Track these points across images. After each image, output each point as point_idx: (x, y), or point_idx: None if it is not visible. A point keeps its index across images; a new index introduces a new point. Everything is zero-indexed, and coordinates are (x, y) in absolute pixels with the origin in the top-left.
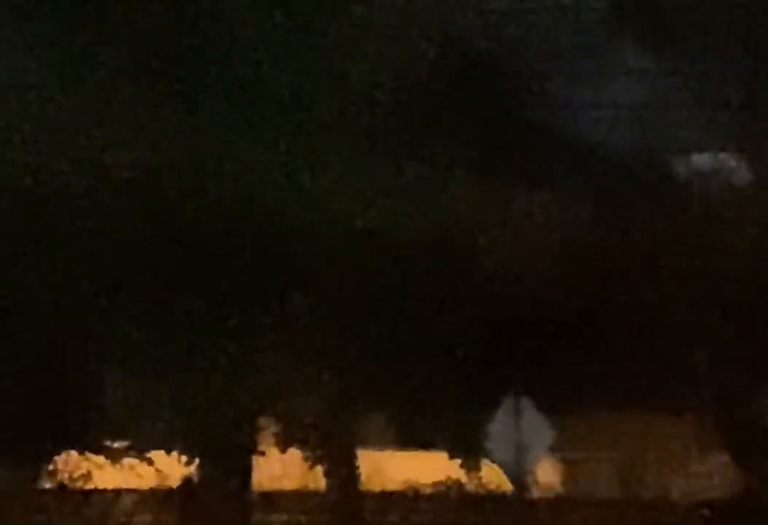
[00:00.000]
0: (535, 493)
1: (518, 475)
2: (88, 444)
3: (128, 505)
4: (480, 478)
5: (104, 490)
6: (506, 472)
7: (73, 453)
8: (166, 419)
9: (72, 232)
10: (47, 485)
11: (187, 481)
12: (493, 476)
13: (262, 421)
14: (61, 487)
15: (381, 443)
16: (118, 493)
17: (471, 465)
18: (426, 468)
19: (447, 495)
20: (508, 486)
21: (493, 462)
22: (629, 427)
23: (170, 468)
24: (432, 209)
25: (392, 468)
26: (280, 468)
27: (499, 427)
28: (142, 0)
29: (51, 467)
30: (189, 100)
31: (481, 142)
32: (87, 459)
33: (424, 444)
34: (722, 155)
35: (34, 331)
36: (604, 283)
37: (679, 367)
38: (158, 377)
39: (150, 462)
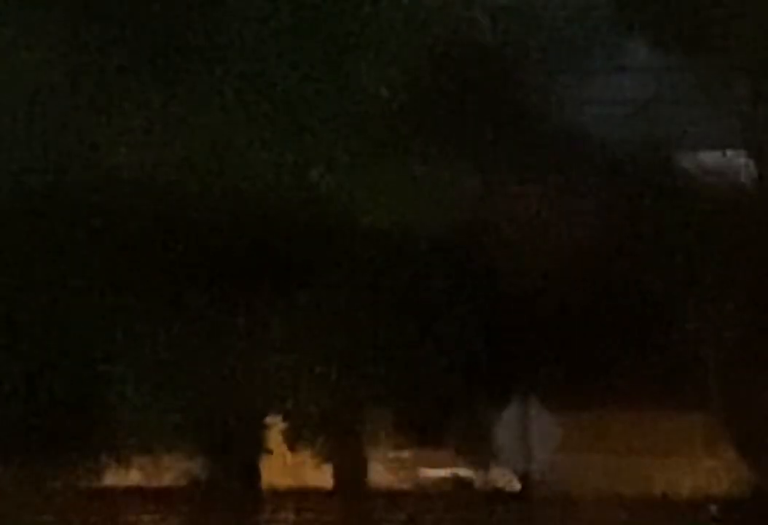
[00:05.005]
0: (543, 492)
1: (526, 473)
2: (96, 443)
3: (136, 504)
4: (488, 477)
5: (112, 489)
6: (514, 471)
7: (81, 452)
8: (173, 418)
9: (79, 231)
10: (55, 484)
11: (194, 479)
12: (501, 475)
13: (270, 419)
14: (69, 486)
15: (389, 442)
16: (125, 492)
17: (479, 463)
18: (434, 467)
19: (455, 494)
20: (516, 485)
21: (502, 460)
22: (638, 424)
23: (178, 466)
24: (439, 206)
25: (400, 466)
26: (287, 466)
27: (507, 425)
28: None
29: (58, 466)
30: (195, 98)
31: (489, 139)
32: (94, 458)
33: (432, 442)
34: (730, 152)
35: (42, 330)
36: (611, 280)
37: (688, 363)
38: (165, 376)
39: (157, 460)
